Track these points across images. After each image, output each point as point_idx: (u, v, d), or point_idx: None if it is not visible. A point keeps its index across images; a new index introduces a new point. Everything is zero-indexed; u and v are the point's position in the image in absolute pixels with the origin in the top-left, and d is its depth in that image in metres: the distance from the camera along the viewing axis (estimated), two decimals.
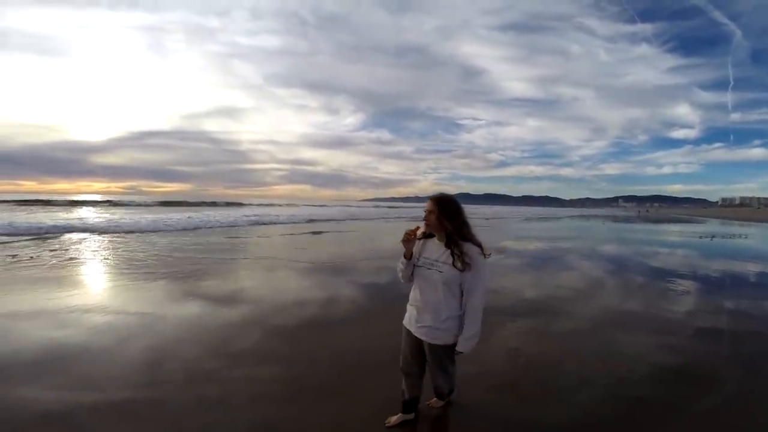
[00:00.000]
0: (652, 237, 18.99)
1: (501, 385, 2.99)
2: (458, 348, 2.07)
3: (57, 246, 9.10)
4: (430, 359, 2.20)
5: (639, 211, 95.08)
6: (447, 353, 2.16)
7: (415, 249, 2.17)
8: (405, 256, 2.15)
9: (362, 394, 2.70)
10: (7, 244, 9.06)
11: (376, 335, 3.83)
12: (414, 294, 2.21)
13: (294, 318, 4.39)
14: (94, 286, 5.74)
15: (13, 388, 2.69)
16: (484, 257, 2.05)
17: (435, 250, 2.10)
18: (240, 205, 47.75)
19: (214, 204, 43.56)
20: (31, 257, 7.50)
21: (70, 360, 3.18)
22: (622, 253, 11.70)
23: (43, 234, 10.62)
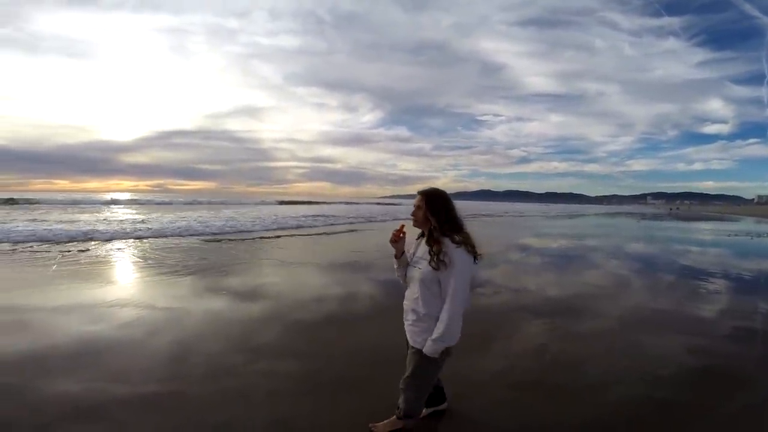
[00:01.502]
0: (691, 236, 18.17)
1: (524, 383, 2.99)
2: (424, 349, 1.94)
3: (91, 247, 9.42)
4: (407, 363, 2.08)
5: (670, 209, 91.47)
6: (421, 363, 2.00)
7: (411, 248, 2.12)
8: (395, 257, 2.12)
9: (378, 389, 2.72)
10: (49, 245, 9.44)
11: (391, 331, 3.85)
12: (406, 293, 2.13)
13: (315, 313, 4.47)
14: (126, 283, 5.96)
15: (51, 381, 2.82)
16: (473, 258, 1.91)
17: (423, 247, 2.00)
18: (290, 203, 48.33)
19: (259, 203, 43.87)
20: (64, 256, 7.82)
21: (102, 353, 3.32)
22: (655, 251, 11.37)
23: (79, 237, 10.93)
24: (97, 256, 7.97)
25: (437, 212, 1.95)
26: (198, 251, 8.99)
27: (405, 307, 2.10)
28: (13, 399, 2.58)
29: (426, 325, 1.96)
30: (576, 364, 3.37)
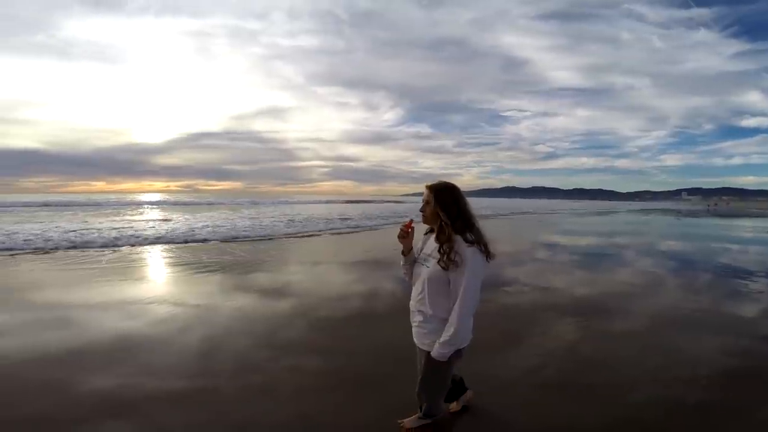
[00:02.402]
0: (731, 233, 17.25)
1: (553, 382, 2.94)
2: (432, 353, 1.87)
3: (131, 248, 9.74)
4: (418, 363, 2.04)
5: (708, 205, 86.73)
6: (431, 365, 1.92)
7: (419, 244, 2.03)
8: (402, 253, 2.04)
9: (400, 386, 2.71)
10: (90, 248, 9.84)
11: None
12: (412, 292, 2.04)
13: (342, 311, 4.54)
14: (159, 281, 6.15)
15: (87, 376, 2.95)
16: (486, 258, 1.81)
17: (432, 244, 1.90)
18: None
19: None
20: (107, 257, 8.15)
21: (135, 349, 3.46)
22: (691, 249, 10.90)
23: (121, 239, 11.16)
24: (135, 257, 8.28)
25: (447, 207, 1.83)
26: (247, 251, 9.21)
27: (411, 307, 2.03)
28: (55, 393, 2.71)
29: (433, 326, 1.88)
30: (606, 364, 3.29)
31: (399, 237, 2.00)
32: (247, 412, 2.50)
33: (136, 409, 2.53)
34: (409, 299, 2.05)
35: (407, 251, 2.03)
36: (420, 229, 2.05)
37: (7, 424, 2.36)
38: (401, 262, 2.08)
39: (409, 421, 2.25)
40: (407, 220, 2.01)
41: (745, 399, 2.71)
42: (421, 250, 2.00)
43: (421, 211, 1.92)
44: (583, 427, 2.39)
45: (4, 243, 9.42)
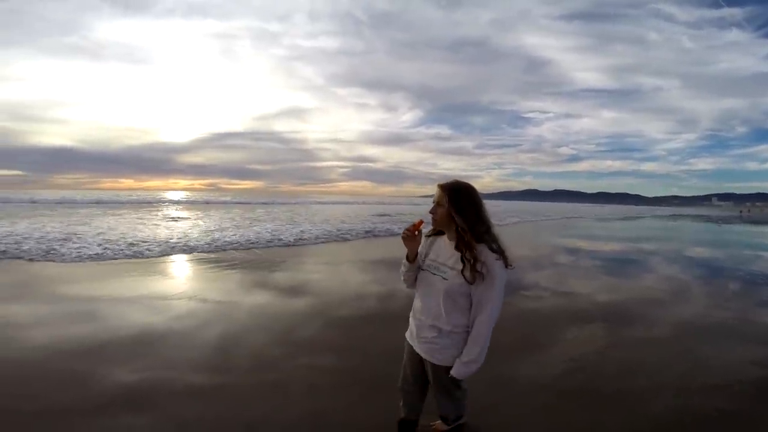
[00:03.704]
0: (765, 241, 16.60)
1: (571, 390, 2.85)
2: (452, 372, 1.66)
3: (155, 249, 9.98)
4: (432, 381, 1.82)
5: (740, 211, 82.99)
6: (449, 379, 1.73)
7: (423, 248, 1.79)
8: (407, 258, 1.77)
9: None
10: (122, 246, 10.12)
11: None
12: (415, 303, 1.82)
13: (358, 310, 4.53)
14: (182, 278, 6.28)
15: (110, 369, 3.01)
16: (505, 267, 1.61)
17: (445, 251, 1.68)
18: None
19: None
20: (134, 255, 8.38)
21: (157, 343, 3.53)
22: (721, 256, 10.46)
23: (149, 241, 11.47)
24: (161, 256, 8.45)
25: (463, 211, 1.60)
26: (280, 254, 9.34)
27: (420, 322, 1.78)
28: (78, 385, 2.77)
29: (448, 341, 1.69)
30: (631, 371, 3.20)
31: (404, 239, 1.73)
32: (261, 408, 2.52)
33: (154, 402, 2.57)
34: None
35: (413, 257, 1.77)
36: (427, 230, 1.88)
37: (30, 416, 2.42)
38: (403, 269, 1.80)
39: (439, 424, 2.15)
40: (416, 220, 1.76)
41: None
42: (427, 255, 1.78)
43: (431, 213, 1.69)
44: None
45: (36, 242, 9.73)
